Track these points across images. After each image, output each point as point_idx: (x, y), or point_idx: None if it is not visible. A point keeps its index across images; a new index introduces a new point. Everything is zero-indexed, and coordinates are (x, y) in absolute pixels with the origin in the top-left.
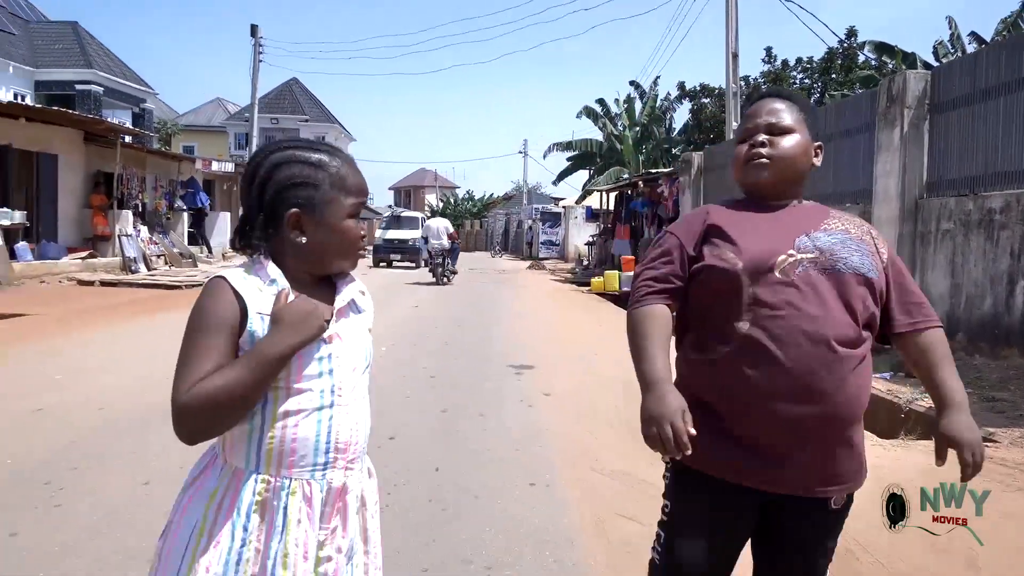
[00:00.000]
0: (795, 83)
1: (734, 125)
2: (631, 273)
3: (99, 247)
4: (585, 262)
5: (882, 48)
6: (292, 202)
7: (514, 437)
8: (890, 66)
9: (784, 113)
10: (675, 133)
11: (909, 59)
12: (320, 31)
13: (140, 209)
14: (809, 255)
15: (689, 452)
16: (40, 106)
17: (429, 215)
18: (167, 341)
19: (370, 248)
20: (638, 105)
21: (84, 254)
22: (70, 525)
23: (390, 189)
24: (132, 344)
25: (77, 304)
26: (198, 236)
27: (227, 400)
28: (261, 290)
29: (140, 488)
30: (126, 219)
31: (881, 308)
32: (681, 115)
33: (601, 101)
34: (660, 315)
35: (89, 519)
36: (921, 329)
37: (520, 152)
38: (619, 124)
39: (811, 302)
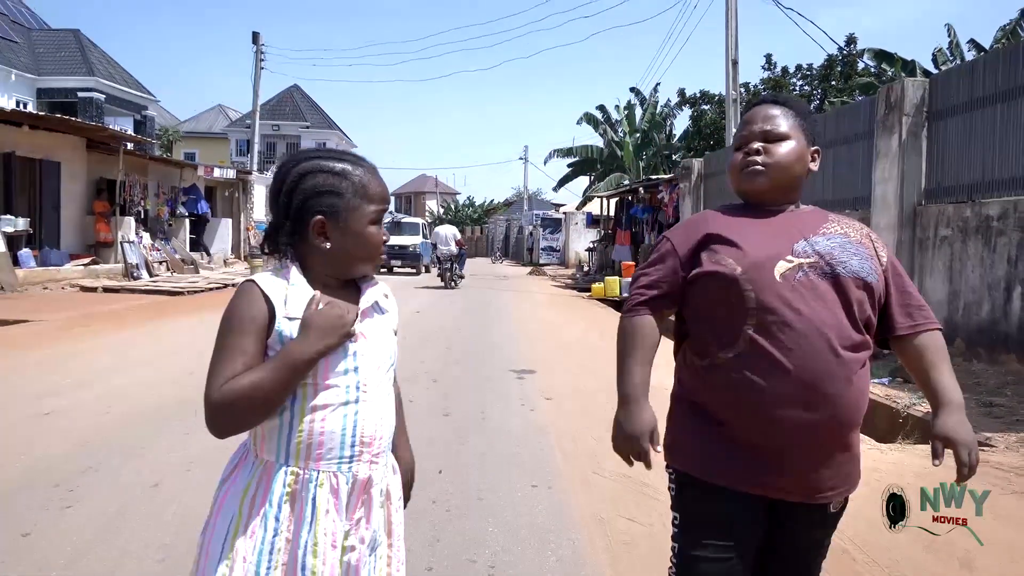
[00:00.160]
0: (795, 90)
1: (734, 131)
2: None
3: (102, 253)
4: (586, 268)
5: (881, 55)
6: (317, 209)
7: (516, 440)
8: (889, 73)
9: (780, 119)
10: (675, 139)
11: (908, 66)
12: (321, 38)
13: (142, 216)
14: (808, 259)
15: (651, 469)
16: (43, 114)
17: (430, 222)
18: (172, 345)
19: None
20: (638, 111)
21: (87, 260)
22: (81, 526)
23: (391, 195)
24: (137, 349)
25: (81, 310)
26: (199, 242)
27: (256, 398)
28: (287, 293)
29: (149, 489)
30: (128, 226)
31: (880, 311)
32: (681, 121)
33: (602, 107)
34: (646, 328)
35: (100, 520)
36: (921, 331)
37: (521, 158)
38: (620, 130)
39: (813, 306)
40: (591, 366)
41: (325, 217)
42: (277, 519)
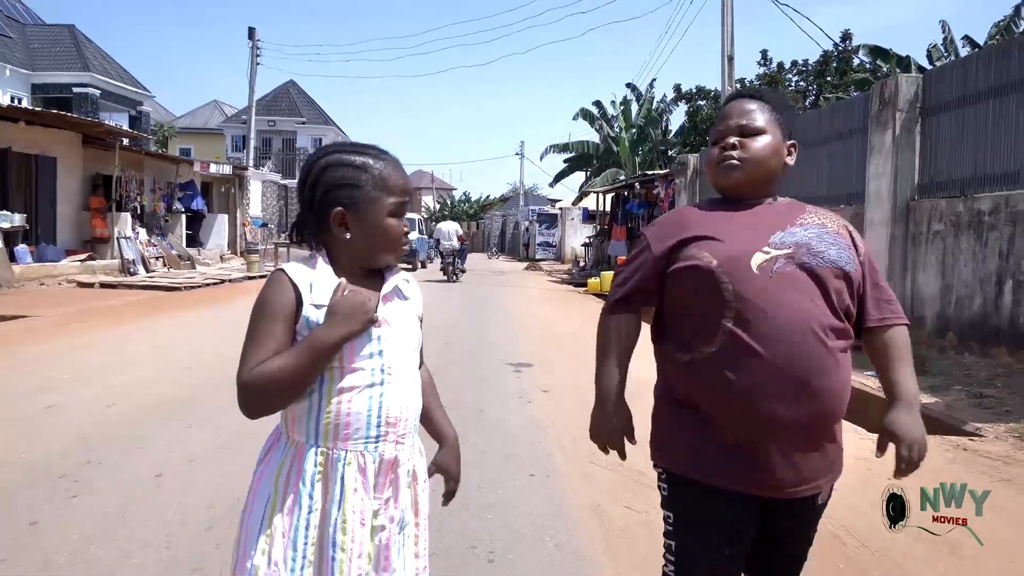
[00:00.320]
0: (790, 86)
1: None
2: None
3: (98, 249)
4: (582, 263)
5: (876, 51)
6: (337, 201)
7: (514, 431)
8: (884, 69)
9: (756, 114)
10: (671, 135)
11: (903, 62)
12: (317, 34)
13: (138, 212)
14: (785, 251)
15: (625, 460)
16: (39, 109)
17: (426, 218)
18: (169, 341)
19: None
20: (634, 107)
21: (83, 256)
22: (88, 515)
23: None
24: (134, 345)
25: (78, 306)
26: (196, 238)
27: (285, 380)
28: (313, 281)
29: (153, 480)
30: (125, 221)
31: (857, 302)
32: (677, 117)
33: (598, 103)
34: (624, 326)
35: (106, 509)
36: (889, 325)
37: (517, 154)
38: (616, 126)
39: (791, 297)
40: (587, 360)
41: (345, 209)
42: (311, 496)
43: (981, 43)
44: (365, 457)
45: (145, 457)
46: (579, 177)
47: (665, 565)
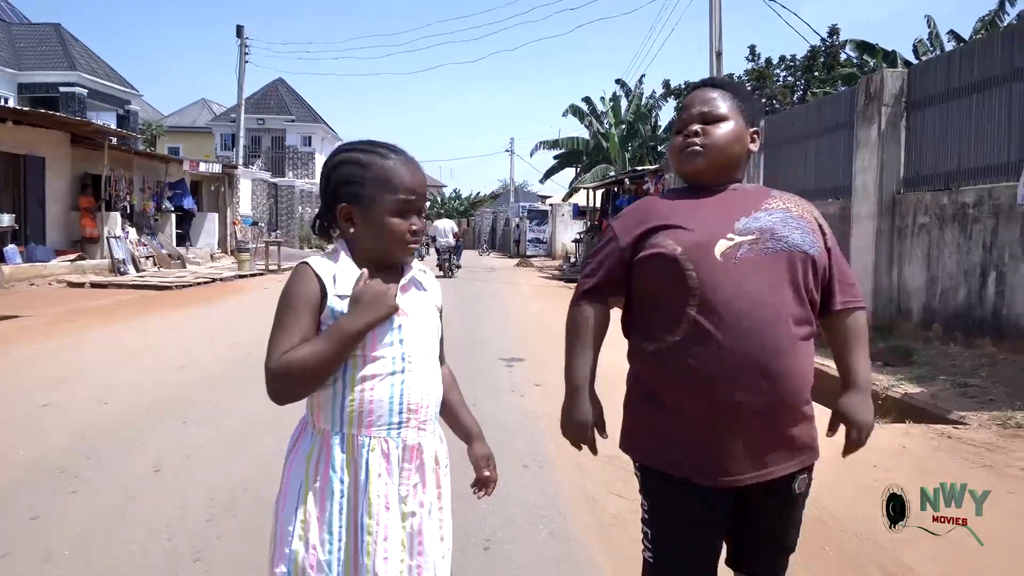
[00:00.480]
0: (778, 81)
1: None
2: None
3: (88, 249)
4: (572, 259)
5: (863, 46)
6: (343, 198)
7: (508, 425)
8: (871, 64)
9: (718, 102)
10: (660, 131)
11: (890, 57)
12: (306, 31)
13: (128, 211)
14: (750, 236)
15: (596, 455)
16: (26, 109)
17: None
18: (160, 340)
19: None
20: (624, 103)
21: (73, 256)
22: (89, 509)
23: None
24: (126, 344)
25: (69, 306)
26: (186, 237)
27: (311, 368)
28: (336, 273)
29: (151, 475)
30: (114, 221)
31: (823, 286)
32: (666, 113)
33: (587, 99)
34: (592, 318)
35: (107, 503)
36: (851, 309)
37: (507, 150)
38: (605, 122)
39: (755, 284)
40: None
41: (349, 205)
42: (342, 481)
43: (966, 38)
44: (388, 443)
45: (143, 453)
46: (569, 173)
47: (644, 551)
